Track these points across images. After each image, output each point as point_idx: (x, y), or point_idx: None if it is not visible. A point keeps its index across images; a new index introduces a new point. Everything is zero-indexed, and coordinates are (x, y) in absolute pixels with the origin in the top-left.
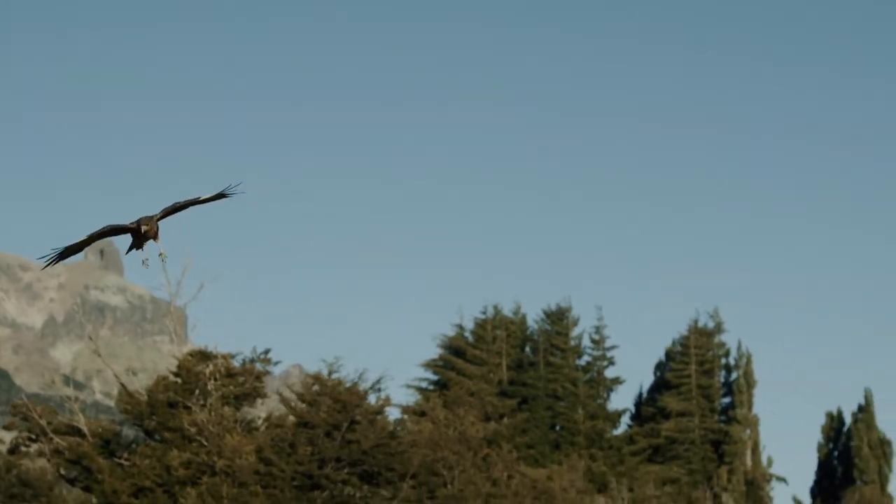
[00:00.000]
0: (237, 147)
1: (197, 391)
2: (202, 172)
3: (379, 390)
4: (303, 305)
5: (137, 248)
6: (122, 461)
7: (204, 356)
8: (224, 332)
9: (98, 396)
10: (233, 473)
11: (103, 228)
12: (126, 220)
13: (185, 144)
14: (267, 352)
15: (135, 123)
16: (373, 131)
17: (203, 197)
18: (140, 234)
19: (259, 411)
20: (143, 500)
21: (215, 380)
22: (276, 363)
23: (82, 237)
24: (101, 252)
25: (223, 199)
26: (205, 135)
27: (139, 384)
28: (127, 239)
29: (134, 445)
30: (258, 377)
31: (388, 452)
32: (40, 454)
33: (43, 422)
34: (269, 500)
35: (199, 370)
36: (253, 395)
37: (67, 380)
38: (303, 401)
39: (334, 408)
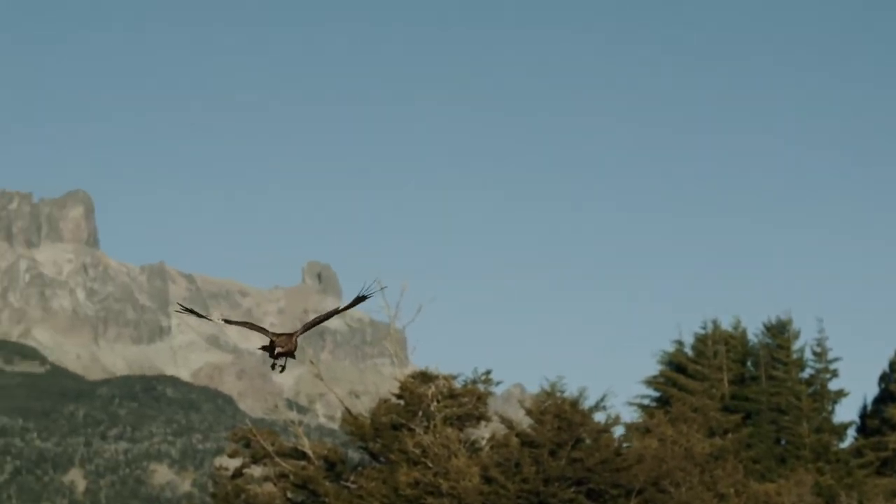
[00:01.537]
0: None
1: (420, 413)
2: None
3: (604, 408)
4: (522, 326)
5: (271, 355)
6: (349, 484)
7: (426, 378)
8: (444, 354)
9: (322, 420)
10: (458, 495)
11: (242, 322)
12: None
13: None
14: (488, 372)
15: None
16: (579, 152)
17: (342, 306)
18: (273, 351)
19: (482, 432)
20: None
21: (438, 401)
22: (498, 383)
23: (219, 320)
24: (319, 276)
25: (363, 301)
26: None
27: (362, 407)
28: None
29: (359, 468)
30: (480, 398)
31: (613, 469)
32: (266, 479)
33: (267, 445)
34: None
35: (422, 392)
36: (476, 416)
37: (290, 404)
38: (532, 418)
39: (559, 426)
